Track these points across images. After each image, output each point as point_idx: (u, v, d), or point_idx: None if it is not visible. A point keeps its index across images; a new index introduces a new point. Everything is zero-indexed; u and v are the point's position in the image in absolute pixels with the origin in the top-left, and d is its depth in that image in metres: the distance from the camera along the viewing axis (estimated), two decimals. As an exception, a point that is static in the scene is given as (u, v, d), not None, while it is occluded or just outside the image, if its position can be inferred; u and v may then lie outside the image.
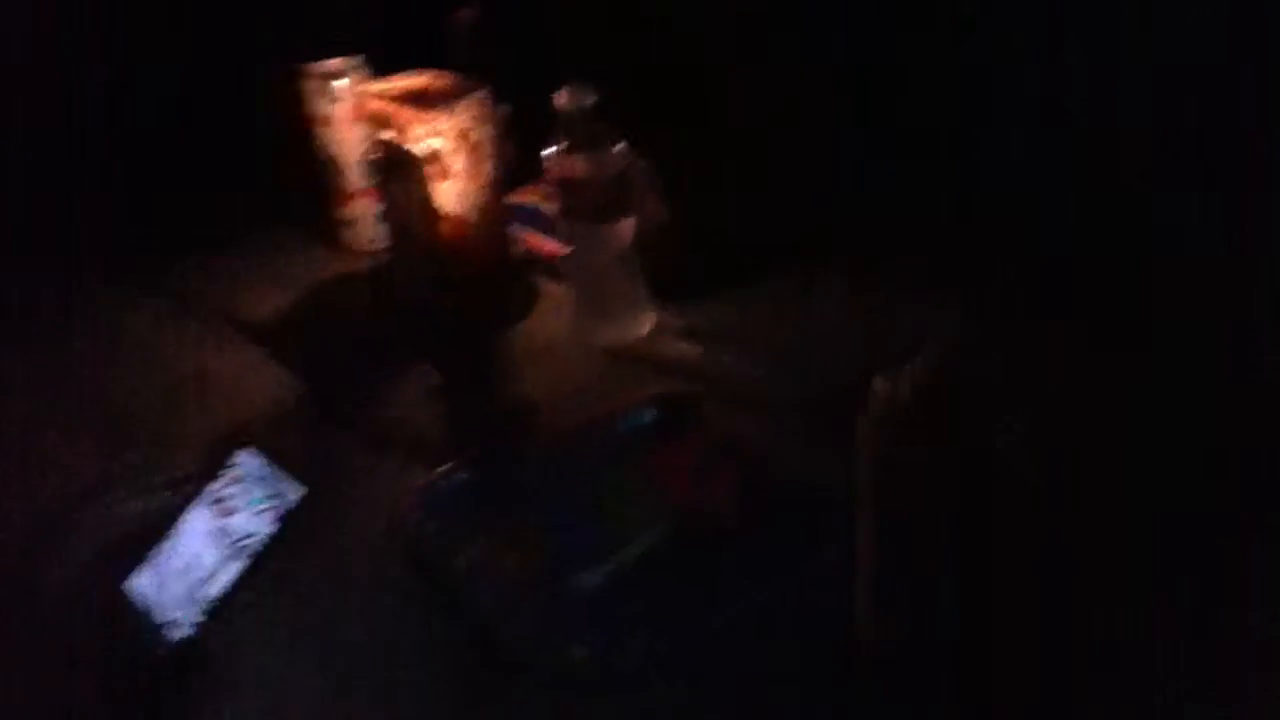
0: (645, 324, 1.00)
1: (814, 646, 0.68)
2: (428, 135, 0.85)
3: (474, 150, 0.87)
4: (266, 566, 0.72)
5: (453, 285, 0.93)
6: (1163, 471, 0.75)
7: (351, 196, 1.14)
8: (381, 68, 1.07)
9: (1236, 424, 0.77)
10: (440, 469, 0.82)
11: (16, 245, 1.11)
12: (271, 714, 0.68)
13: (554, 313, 1.04)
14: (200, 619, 0.69)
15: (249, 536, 0.71)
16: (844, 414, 0.62)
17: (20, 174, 1.15)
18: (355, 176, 1.12)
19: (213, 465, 0.75)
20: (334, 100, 1.10)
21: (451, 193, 0.87)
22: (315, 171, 1.15)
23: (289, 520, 0.71)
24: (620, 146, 0.95)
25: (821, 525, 0.72)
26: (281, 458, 0.83)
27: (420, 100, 0.87)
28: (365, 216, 1.13)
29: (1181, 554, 0.70)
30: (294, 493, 0.72)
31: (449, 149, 0.86)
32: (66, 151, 1.19)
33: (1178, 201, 0.88)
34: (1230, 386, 0.79)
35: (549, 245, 1.07)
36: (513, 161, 1.15)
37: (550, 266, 1.07)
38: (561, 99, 0.94)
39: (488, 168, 0.88)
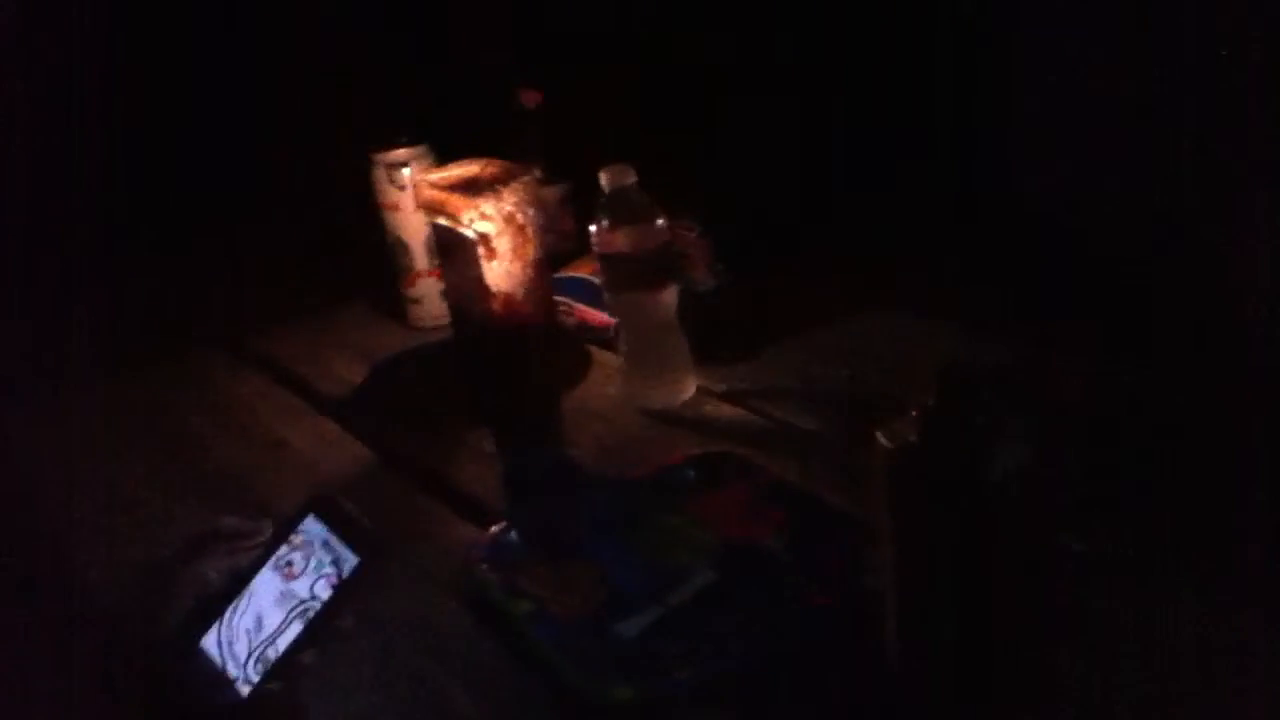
0: (690, 388, 1.05)
1: (853, 678, 0.70)
2: (477, 220, 0.92)
3: (519, 232, 0.93)
4: (326, 628, 0.77)
5: (507, 357, 0.99)
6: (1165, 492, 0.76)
7: (417, 276, 1.22)
8: (447, 154, 1.16)
9: (1240, 447, 0.78)
10: (501, 524, 0.88)
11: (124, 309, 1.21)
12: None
13: (604, 379, 1.09)
14: (262, 678, 0.74)
15: (310, 600, 0.77)
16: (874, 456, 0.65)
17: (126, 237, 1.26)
18: (420, 258, 1.21)
19: (283, 530, 0.81)
20: (400, 187, 1.19)
21: (500, 271, 0.93)
22: (386, 253, 1.24)
23: (345, 588, 0.77)
24: (661, 221, 1.01)
25: (863, 558, 0.75)
26: (350, 522, 0.89)
27: (471, 187, 0.94)
28: (430, 295, 1.21)
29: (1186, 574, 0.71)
30: (349, 561, 0.77)
31: (496, 231, 0.92)
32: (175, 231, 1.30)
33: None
34: (1236, 411, 0.80)
35: (598, 316, 1.13)
36: (572, 235, 1.22)
37: (601, 336, 1.13)
38: (604, 177, 1.00)
39: (533, 247, 0.94)
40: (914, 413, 0.64)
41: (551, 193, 1.29)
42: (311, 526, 0.80)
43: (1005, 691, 0.66)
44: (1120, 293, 0.93)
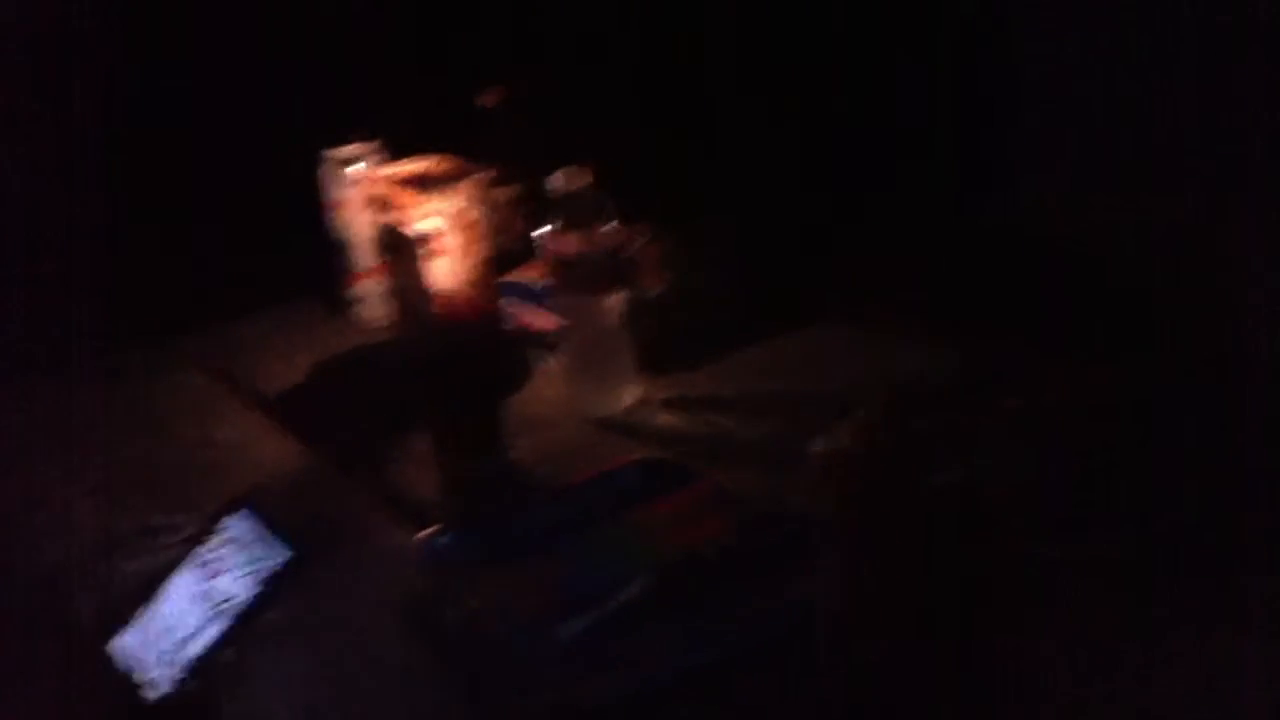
0: (634, 394, 1.04)
1: (799, 681, 0.70)
2: (424, 217, 0.90)
3: (467, 231, 0.92)
4: (253, 626, 0.75)
5: (450, 358, 0.98)
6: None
7: (361, 274, 1.20)
8: (401, 151, 1.14)
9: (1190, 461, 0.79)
10: (438, 526, 0.86)
11: (51, 309, 1.18)
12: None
13: (548, 384, 1.09)
14: (181, 678, 0.72)
15: (232, 598, 0.75)
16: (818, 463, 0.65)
17: (62, 236, 1.23)
18: (364, 256, 1.19)
19: (206, 528, 0.80)
20: (347, 184, 1.17)
21: (446, 270, 0.92)
22: (331, 251, 1.22)
23: (273, 583, 0.75)
24: (612, 225, 1.00)
25: (804, 564, 0.75)
26: (281, 521, 0.87)
27: (420, 184, 0.92)
28: (373, 294, 1.20)
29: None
30: (280, 556, 0.76)
31: (443, 230, 0.91)
32: (102, 218, 1.27)
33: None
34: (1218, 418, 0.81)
35: (544, 319, 1.12)
36: (521, 239, 1.21)
37: (546, 340, 1.12)
38: (557, 180, 1.00)
39: (481, 247, 0.93)
40: (853, 419, 0.64)
41: (503, 194, 1.28)
42: (237, 524, 0.78)
43: (950, 698, 0.66)
44: (1106, 298, 0.93)
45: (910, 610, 0.65)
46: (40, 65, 1.24)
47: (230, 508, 0.80)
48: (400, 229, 0.94)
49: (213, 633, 0.73)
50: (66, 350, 1.18)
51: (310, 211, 1.22)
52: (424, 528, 0.86)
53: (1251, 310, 0.87)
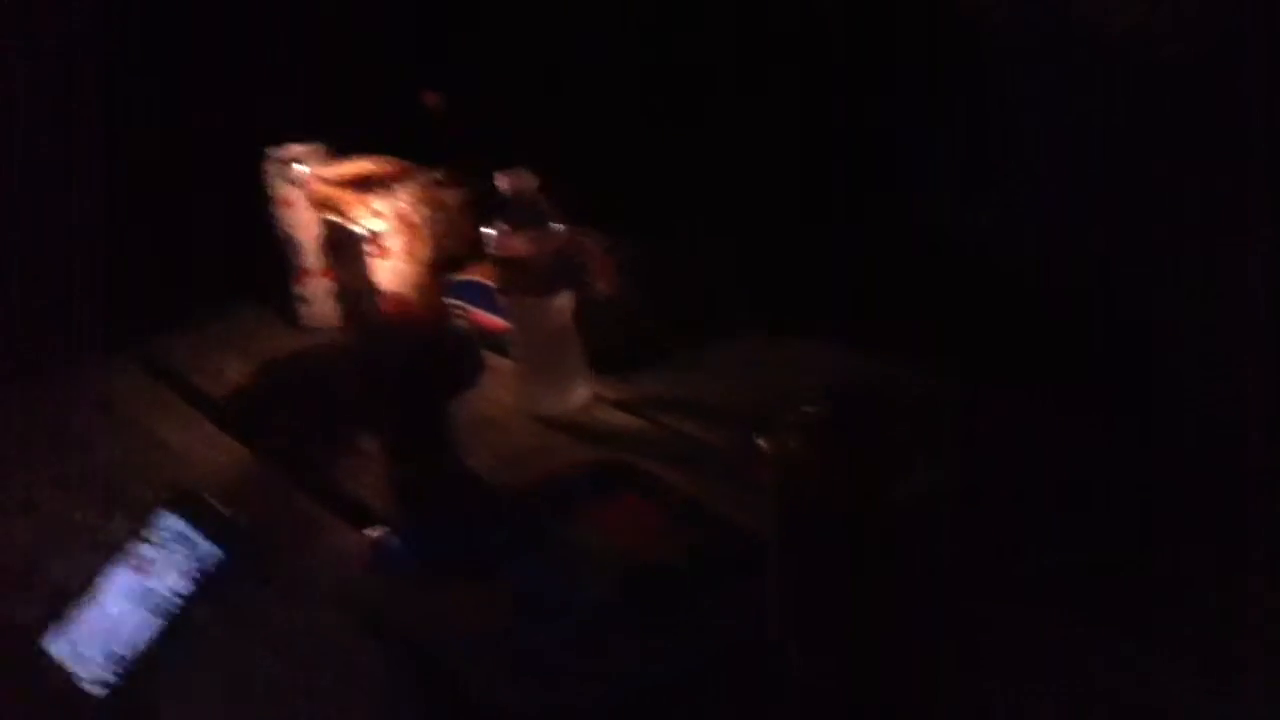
0: (584, 395, 1.04)
1: (753, 683, 0.70)
2: (368, 217, 0.90)
3: (413, 231, 0.91)
4: (192, 626, 0.74)
5: (397, 359, 0.97)
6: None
7: (308, 275, 1.19)
8: (345, 153, 1.13)
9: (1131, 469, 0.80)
10: (387, 528, 0.86)
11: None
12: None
13: (498, 385, 1.08)
14: (115, 678, 0.71)
15: (167, 597, 0.74)
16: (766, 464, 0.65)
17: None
18: (311, 256, 1.18)
19: (139, 527, 0.79)
20: (293, 183, 1.16)
21: (392, 271, 0.92)
22: (277, 250, 1.21)
23: (205, 583, 0.75)
24: (560, 226, 1.00)
25: (755, 568, 0.75)
26: (213, 518, 0.87)
27: (364, 184, 0.92)
28: (320, 295, 1.18)
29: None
30: (213, 556, 0.75)
31: (388, 230, 0.90)
32: (53, 218, 1.24)
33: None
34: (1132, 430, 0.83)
35: (493, 320, 1.12)
36: (472, 241, 1.20)
37: (495, 341, 1.12)
38: (503, 181, 0.99)
39: (426, 248, 0.92)
40: (800, 421, 0.64)
41: (453, 196, 1.28)
42: (171, 523, 0.78)
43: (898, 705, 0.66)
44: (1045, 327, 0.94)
45: (854, 613, 0.65)
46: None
47: (167, 507, 0.79)
48: (345, 229, 0.93)
49: (149, 632, 0.73)
50: (9, 350, 1.16)
51: (256, 211, 1.20)
52: (371, 529, 0.86)
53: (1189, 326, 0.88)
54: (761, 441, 0.64)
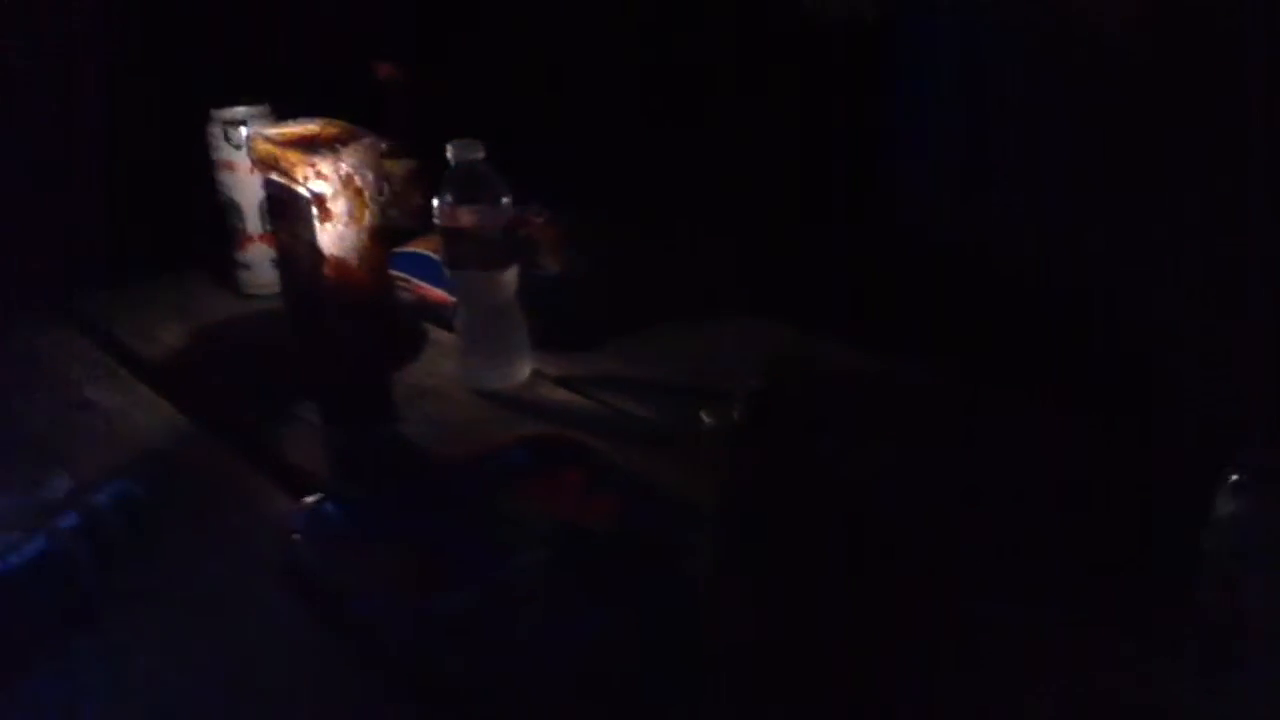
0: (525, 370, 1.03)
1: (678, 654, 0.70)
2: (312, 177, 0.88)
3: (357, 195, 0.90)
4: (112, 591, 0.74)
5: (338, 325, 0.96)
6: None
7: (249, 240, 1.17)
8: (289, 115, 1.11)
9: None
10: (323, 495, 0.85)
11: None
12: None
13: (439, 357, 1.07)
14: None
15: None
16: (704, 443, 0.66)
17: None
18: (252, 221, 1.16)
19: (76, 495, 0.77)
20: (237, 146, 1.14)
21: (335, 235, 0.90)
22: (217, 214, 1.18)
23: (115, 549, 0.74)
24: (507, 199, 0.99)
25: (692, 544, 0.75)
26: (163, 487, 0.85)
27: (309, 144, 0.90)
28: (261, 260, 1.17)
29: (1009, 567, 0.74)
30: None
31: (332, 193, 0.89)
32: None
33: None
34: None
35: (438, 293, 1.11)
36: (418, 213, 1.19)
37: (439, 313, 1.11)
38: (450, 151, 0.98)
39: (370, 213, 0.91)
40: (743, 394, 0.64)
41: (401, 168, 1.26)
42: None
43: (833, 680, 0.67)
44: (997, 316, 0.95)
45: (791, 589, 0.66)
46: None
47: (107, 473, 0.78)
48: (288, 190, 0.91)
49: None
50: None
51: (197, 173, 1.18)
52: (306, 496, 0.84)
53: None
54: (704, 415, 0.64)
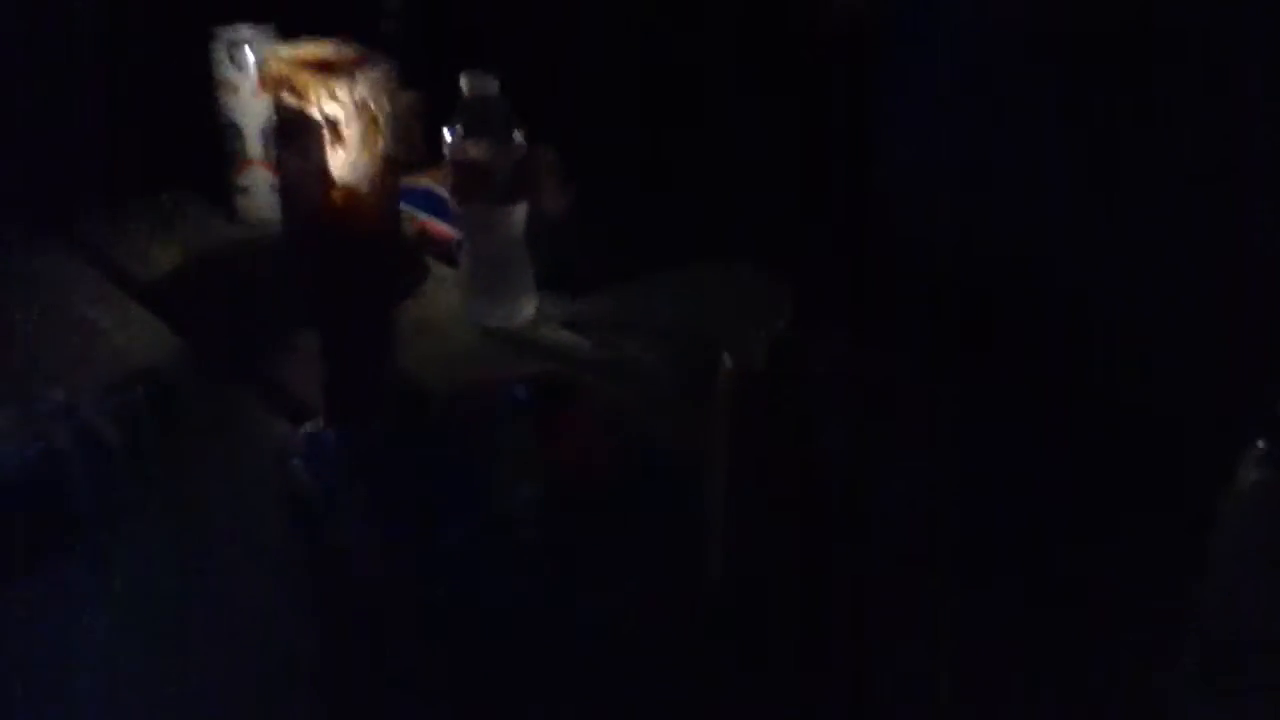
0: (529, 308, 1.03)
1: (672, 596, 0.71)
2: (326, 101, 0.86)
3: (371, 122, 0.88)
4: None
5: (343, 254, 0.94)
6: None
7: (248, 164, 1.15)
8: (291, 36, 1.08)
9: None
10: (312, 422, 0.84)
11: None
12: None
13: (443, 293, 1.06)
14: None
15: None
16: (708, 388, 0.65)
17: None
18: (253, 144, 1.13)
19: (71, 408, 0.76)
20: (240, 67, 1.11)
21: (345, 162, 0.88)
22: (216, 137, 1.16)
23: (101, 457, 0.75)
24: (518, 134, 0.98)
25: (688, 485, 0.76)
26: (159, 406, 0.85)
27: (324, 68, 0.88)
28: (260, 186, 1.14)
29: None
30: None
31: (346, 117, 0.87)
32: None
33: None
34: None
35: (442, 228, 1.10)
36: (420, 146, 1.17)
37: (443, 248, 1.09)
38: (464, 83, 0.96)
39: (383, 141, 0.89)
40: (763, 338, 0.64)
41: (404, 100, 1.24)
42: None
43: (837, 631, 0.67)
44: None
45: (796, 531, 0.66)
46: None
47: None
48: (299, 114, 0.89)
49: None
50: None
51: (197, 93, 1.15)
52: (304, 423, 0.84)
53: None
54: (725, 357, 0.64)
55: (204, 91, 1.15)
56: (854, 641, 0.67)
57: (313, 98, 0.86)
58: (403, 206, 1.10)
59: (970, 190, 0.97)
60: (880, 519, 0.71)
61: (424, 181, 1.12)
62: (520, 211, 1.00)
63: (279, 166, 0.99)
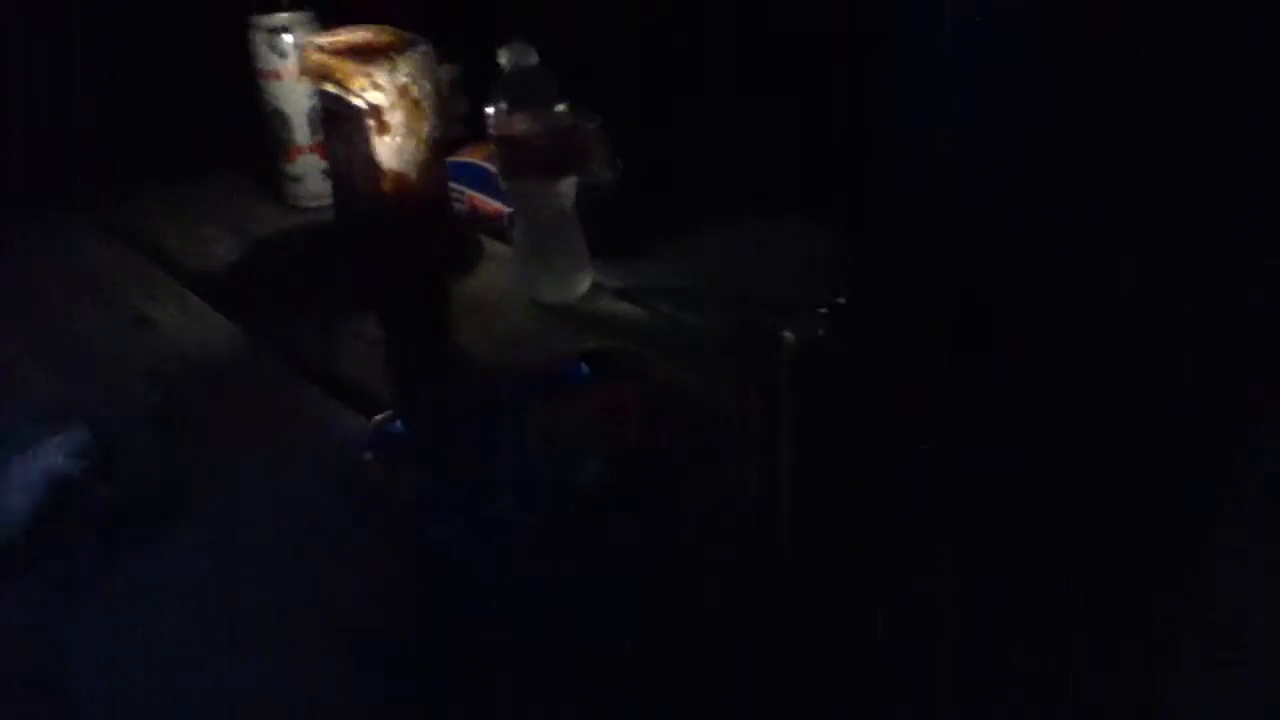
0: (585, 282, 1.02)
1: (734, 566, 0.71)
2: (368, 89, 0.86)
3: (414, 106, 0.88)
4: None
5: (395, 239, 0.95)
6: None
7: (298, 151, 1.15)
8: (331, 21, 1.08)
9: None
10: (383, 414, 0.84)
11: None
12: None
13: (496, 270, 1.06)
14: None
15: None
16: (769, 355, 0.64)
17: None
18: (301, 131, 1.13)
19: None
20: (282, 54, 1.11)
21: (391, 148, 0.88)
22: (263, 124, 1.16)
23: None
24: (562, 105, 0.96)
25: (754, 461, 0.75)
26: (221, 403, 0.86)
27: (363, 54, 0.87)
28: (311, 172, 1.15)
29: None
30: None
31: (389, 103, 0.86)
32: (26, 86, 1.19)
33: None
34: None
35: (492, 204, 1.09)
36: (463, 120, 1.16)
37: (494, 225, 1.09)
38: (503, 57, 0.95)
39: (428, 124, 0.89)
40: (823, 311, 0.63)
41: (443, 73, 1.23)
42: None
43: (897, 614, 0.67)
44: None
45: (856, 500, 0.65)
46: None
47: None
48: (342, 101, 0.89)
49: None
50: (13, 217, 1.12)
51: (243, 82, 1.15)
52: (370, 414, 0.84)
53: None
54: (786, 332, 0.63)
55: (247, 79, 1.15)
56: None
57: (354, 86, 0.86)
58: (451, 185, 1.10)
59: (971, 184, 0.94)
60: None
61: (471, 158, 1.11)
62: (569, 184, 0.98)
63: (327, 154, 0.99)
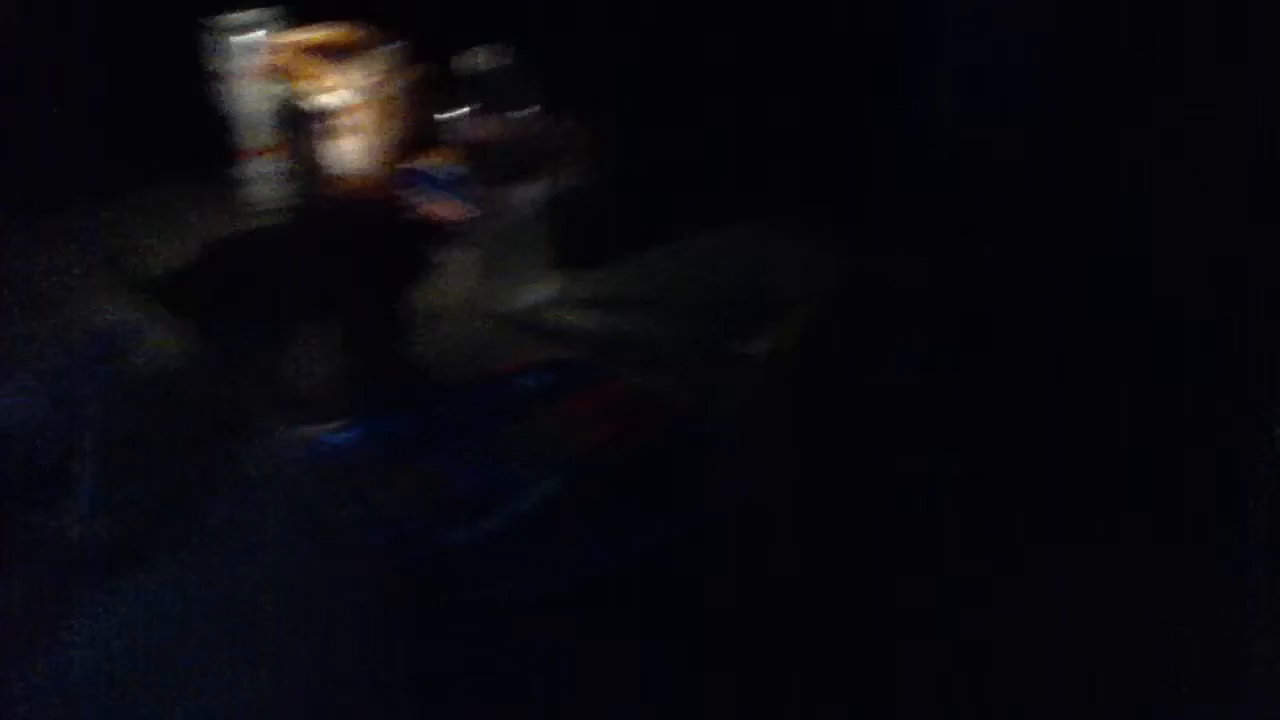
0: (548, 290, 1.01)
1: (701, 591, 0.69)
2: (331, 89, 0.84)
3: (380, 107, 0.86)
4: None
5: (353, 244, 0.93)
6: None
7: (255, 152, 1.12)
8: (294, 21, 1.06)
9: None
10: (339, 420, 0.82)
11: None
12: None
13: (456, 276, 1.04)
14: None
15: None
16: (736, 363, 0.64)
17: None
18: (259, 133, 1.11)
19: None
20: (242, 54, 1.09)
21: (355, 148, 0.86)
22: (219, 125, 1.13)
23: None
24: (533, 109, 0.95)
25: (717, 462, 0.74)
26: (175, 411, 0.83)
27: (328, 54, 0.85)
28: (267, 174, 1.12)
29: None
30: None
31: (351, 104, 0.85)
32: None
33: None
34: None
35: (451, 209, 1.07)
36: (424, 124, 1.14)
37: (452, 230, 1.07)
38: (476, 59, 0.94)
39: (393, 125, 0.87)
40: (790, 321, 0.62)
41: (411, 77, 1.21)
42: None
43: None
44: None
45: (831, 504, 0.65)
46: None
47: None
48: (303, 102, 0.87)
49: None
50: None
51: (196, 83, 1.12)
52: (320, 422, 0.82)
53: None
54: (756, 345, 0.62)
55: (207, 81, 1.12)
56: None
57: (316, 87, 0.84)
58: (414, 188, 1.08)
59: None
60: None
61: (436, 161, 1.09)
62: (537, 188, 0.97)
63: (290, 155, 0.97)
